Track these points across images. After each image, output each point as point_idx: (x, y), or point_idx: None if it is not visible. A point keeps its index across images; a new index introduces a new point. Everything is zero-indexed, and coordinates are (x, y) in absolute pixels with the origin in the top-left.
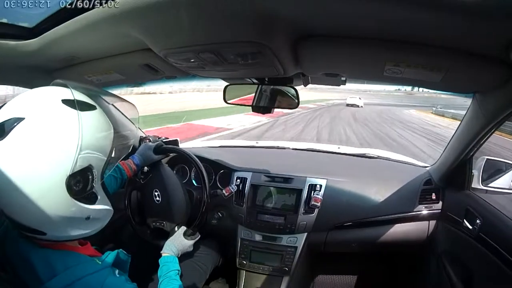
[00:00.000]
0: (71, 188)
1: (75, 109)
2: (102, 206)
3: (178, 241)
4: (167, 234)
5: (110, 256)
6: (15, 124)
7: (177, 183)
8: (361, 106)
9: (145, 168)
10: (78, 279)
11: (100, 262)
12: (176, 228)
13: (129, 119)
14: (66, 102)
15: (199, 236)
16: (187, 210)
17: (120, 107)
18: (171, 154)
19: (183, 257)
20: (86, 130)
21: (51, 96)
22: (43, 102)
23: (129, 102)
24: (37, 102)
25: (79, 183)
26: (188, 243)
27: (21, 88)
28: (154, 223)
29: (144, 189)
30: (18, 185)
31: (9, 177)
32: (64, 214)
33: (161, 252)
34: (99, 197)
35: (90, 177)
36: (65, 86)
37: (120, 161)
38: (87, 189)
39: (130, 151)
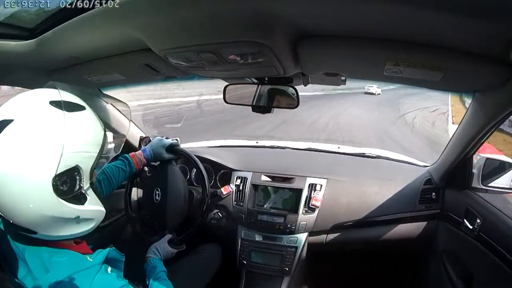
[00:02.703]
0: (57, 188)
1: (62, 110)
2: (92, 207)
3: (162, 247)
4: (154, 232)
5: (101, 254)
6: (4, 125)
7: (180, 188)
8: (379, 94)
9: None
10: (69, 276)
11: (92, 260)
12: (165, 233)
13: (126, 117)
14: (53, 103)
15: (184, 247)
16: (181, 218)
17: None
18: None
19: (187, 262)
20: (72, 130)
21: (39, 98)
22: (31, 104)
23: (122, 101)
24: (26, 104)
25: (66, 184)
26: (171, 251)
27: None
28: (145, 218)
29: (147, 184)
30: (6, 185)
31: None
32: (52, 214)
33: (146, 256)
34: (88, 198)
35: (78, 177)
36: (56, 87)
37: (130, 153)
38: (74, 190)
39: (120, 151)
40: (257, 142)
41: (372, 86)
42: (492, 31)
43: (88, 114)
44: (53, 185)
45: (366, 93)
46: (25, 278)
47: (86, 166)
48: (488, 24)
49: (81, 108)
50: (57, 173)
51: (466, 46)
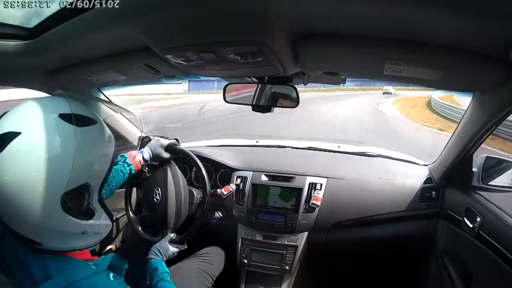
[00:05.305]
0: (66, 205)
1: (72, 124)
2: (99, 222)
3: (164, 248)
4: (155, 232)
5: (104, 260)
6: (12, 138)
7: (180, 188)
8: (394, 93)
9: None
10: (72, 283)
11: (95, 267)
12: (166, 232)
13: (135, 126)
14: (63, 116)
15: (186, 246)
16: (181, 218)
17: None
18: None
19: (190, 265)
20: (82, 147)
21: (48, 110)
22: (40, 116)
23: (131, 112)
24: (34, 116)
25: (74, 200)
26: (173, 250)
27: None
28: (146, 218)
29: (147, 184)
30: (13, 198)
31: (5, 190)
32: (58, 228)
33: (148, 257)
34: (96, 213)
35: (87, 194)
36: (66, 97)
37: (128, 152)
38: (83, 206)
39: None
40: (257, 142)
41: (389, 87)
42: (492, 31)
43: (98, 128)
44: (61, 202)
45: (384, 93)
46: (26, 283)
47: (95, 183)
48: (488, 24)
49: (92, 122)
50: (66, 190)
51: (466, 46)
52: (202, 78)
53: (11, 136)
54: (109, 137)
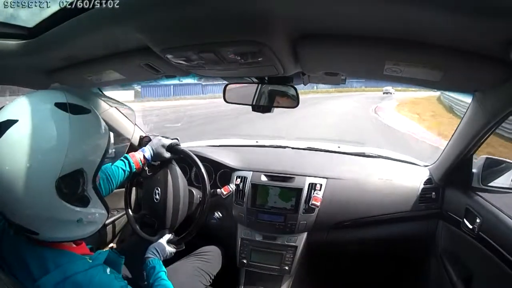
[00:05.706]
0: (61, 190)
1: (67, 112)
2: (94, 210)
3: (161, 248)
4: (154, 232)
5: (101, 255)
6: (9, 125)
7: (180, 188)
8: (393, 93)
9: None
10: (69, 277)
11: (91, 260)
12: (164, 232)
13: (130, 120)
14: (58, 105)
15: (183, 247)
16: (181, 218)
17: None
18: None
19: (188, 263)
20: (77, 133)
21: (45, 100)
22: (36, 105)
23: (126, 105)
24: (31, 105)
25: (69, 186)
26: (170, 250)
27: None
28: (145, 217)
29: (147, 183)
30: (10, 185)
31: (3, 178)
32: (54, 216)
33: (145, 256)
34: (91, 201)
35: (81, 180)
36: (62, 90)
37: (129, 153)
38: (78, 192)
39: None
40: (257, 142)
41: (389, 87)
42: (492, 31)
43: (93, 117)
44: (56, 187)
45: (384, 93)
46: (24, 279)
47: (89, 169)
48: (488, 24)
49: (86, 110)
50: (61, 175)
51: (466, 46)
52: (161, 82)
53: (8, 123)
54: (103, 126)
